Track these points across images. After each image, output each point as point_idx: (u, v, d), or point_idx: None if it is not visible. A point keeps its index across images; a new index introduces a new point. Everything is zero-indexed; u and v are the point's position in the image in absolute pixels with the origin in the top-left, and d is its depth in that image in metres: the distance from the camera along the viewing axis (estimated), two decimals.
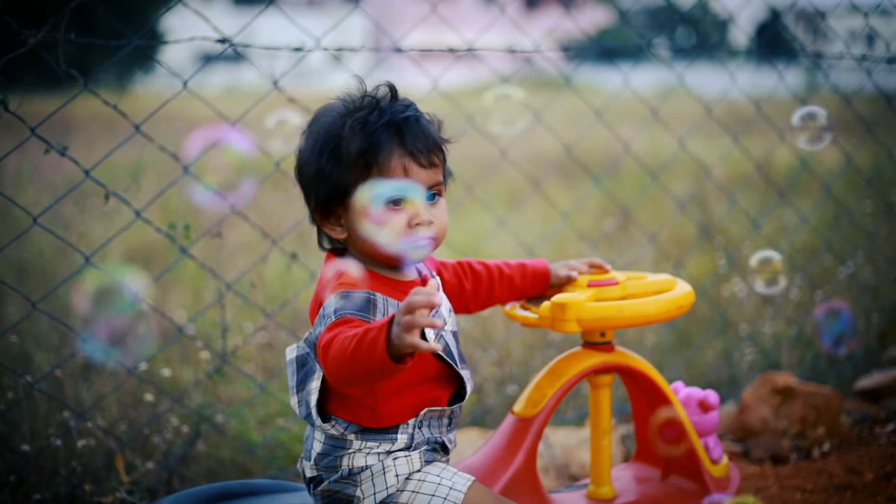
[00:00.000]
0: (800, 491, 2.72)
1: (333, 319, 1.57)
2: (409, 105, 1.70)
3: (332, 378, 1.54)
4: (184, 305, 4.04)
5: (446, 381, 1.73)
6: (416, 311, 1.37)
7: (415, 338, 1.38)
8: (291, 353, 1.73)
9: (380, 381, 1.59)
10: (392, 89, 1.71)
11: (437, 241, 1.70)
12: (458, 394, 1.74)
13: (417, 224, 1.65)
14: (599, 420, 1.99)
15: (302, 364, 1.71)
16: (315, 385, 1.67)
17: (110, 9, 2.47)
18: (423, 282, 1.75)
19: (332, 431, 1.68)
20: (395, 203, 1.64)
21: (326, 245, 1.76)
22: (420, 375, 1.68)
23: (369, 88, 1.71)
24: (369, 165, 1.64)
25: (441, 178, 1.71)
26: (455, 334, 1.78)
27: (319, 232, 1.75)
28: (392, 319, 1.42)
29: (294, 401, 1.72)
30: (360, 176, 1.64)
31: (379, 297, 1.64)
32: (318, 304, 1.66)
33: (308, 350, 1.71)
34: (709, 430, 2.08)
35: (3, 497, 2.51)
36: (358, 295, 1.62)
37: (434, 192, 1.69)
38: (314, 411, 1.67)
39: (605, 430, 1.99)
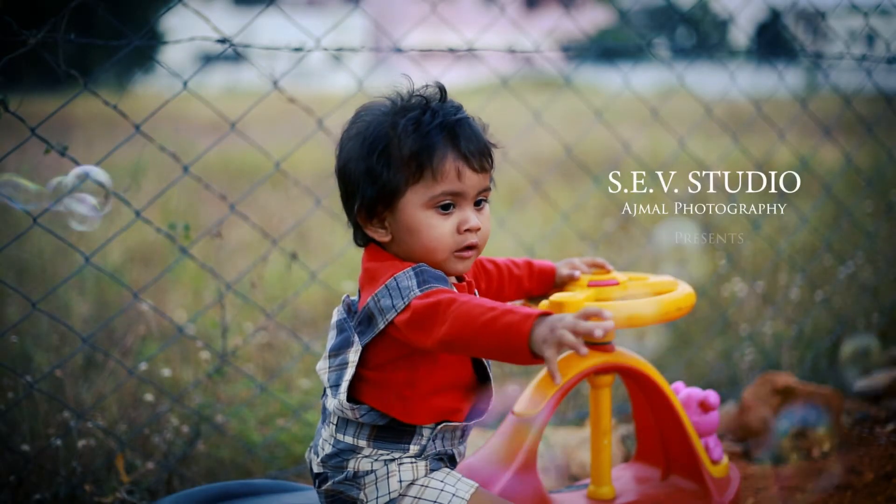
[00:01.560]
0: (800, 491, 2.72)
1: (421, 290, 1.53)
2: (460, 107, 1.66)
3: (445, 332, 1.47)
4: (184, 305, 4.04)
5: (470, 392, 1.71)
6: (578, 332, 1.32)
7: (554, 353, 1.33)
8: (334, 316, 1.70)
9: (489, 358, 1.58)
10: (441, 89, 1.67)
11: (479, 250, 1.67)
12: (475, 409, 1.73)
13: (467, 230, 1.63)
14: (599, 420, 1.99)
15: (341, 329, 1.67)
16: (353, 359, 1.63)
17: (110, 9, 2.47)
18: (469, 286, 1.74)
19: (349, 415, 1.65)
20: (445, 208, 1.62)
21: (362, 242, 1.72)
22: (453, 380, 1.66)
23: (415, 88, 1.67)
24: (422, 167, 1.59)
25: (489, 184, 1.68)
26: None
27: (358, 231, 1.71)
28: (541, 315, 1.37)
29: (323, 364, 1.68)
30: (411, 178, 1.60)
31: (450, 282, 1.62)
32: (377, 283, 1.61)
33: (346, 315, 1.67)
34: (709, 431, 2.09)
35: (3, 497, 2.51)
36: (436, 271, 1.59)
37: (481, 199, 1.66)
38: (345, 384, 1.63)
39: (605, 430, 1.99)
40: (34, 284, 3.75)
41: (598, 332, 1.33)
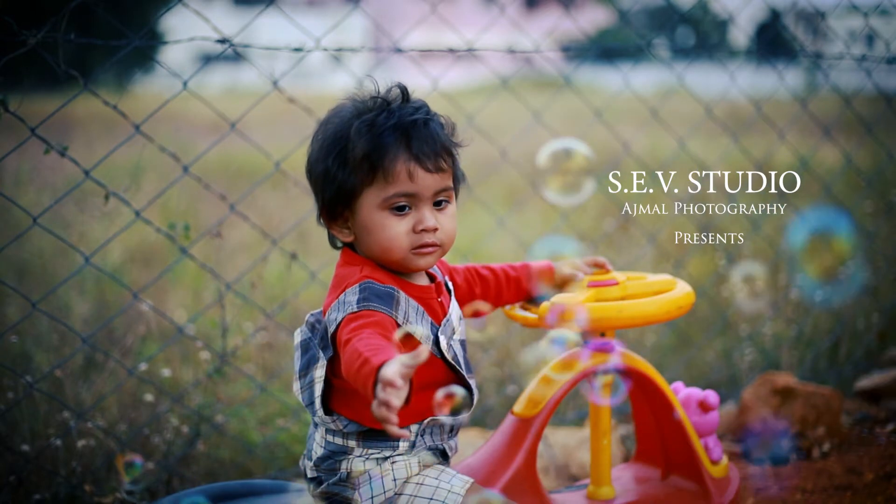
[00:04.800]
0: (800, 491, 2.72)
1: (355, 309, 1.55)
2: (420, 107, 1.67)
3: (344, 372, 1.52)
4: (184, 305, 4.04)
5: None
6: (387, 389, 1.31)
7: (390, 420, 1.32)
8: (297, 337, 1.71)
9: None
10: (403, 91, 1.68)
11: (443, 248, 1.67)
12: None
13: (423, 230, 1.63)
14: (599, 420, 1.99)
15: (305, 349, 1.69)
16: (319, 374, 1.65)
17: (110, 9, 2.48)
18: (437, 287, 1.74)
19: (332, 426, 1.67)
20: (400, 209, 1.63)
21: (339, 245, 1.74)
22: (428, 380, 1.65)
23: (382, 89, 1.68)
24: (374, 168, 1.61)
25: (450, 183, 1.68)
26: (463, 343, 1.77)
27: (329, 232, 1.74)
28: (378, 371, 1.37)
29: (297, 386, 1.70)
30: (365, 179, 1.62)
31: (402, 294, 1.63)
32: (336, 292, 1.63)
33: (311, 335, 1.68)
34: (709, 431, 2.09)
35: (3, 497, 2.51)
36: (382, 288, 1.61)
37: (441, 199, 1.67)
38: (317, 401, 1.65)
39: (605, 430, 1.99)
40: (34, 284, 3.76)
41: (395, 402, 1.32)
